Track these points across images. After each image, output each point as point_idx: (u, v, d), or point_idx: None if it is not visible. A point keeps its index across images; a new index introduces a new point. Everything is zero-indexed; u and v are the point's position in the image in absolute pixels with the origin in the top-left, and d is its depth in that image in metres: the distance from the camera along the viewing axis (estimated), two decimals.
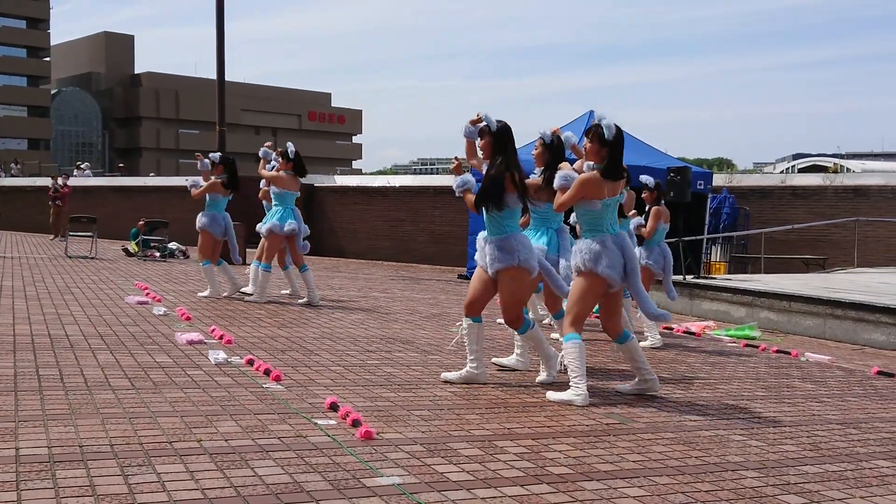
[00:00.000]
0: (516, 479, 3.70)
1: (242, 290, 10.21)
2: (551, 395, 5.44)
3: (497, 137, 5.59)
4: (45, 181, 25.19)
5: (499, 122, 5.63)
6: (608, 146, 5.33)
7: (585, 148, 5.52)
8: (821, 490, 3.83)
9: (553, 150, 6.39)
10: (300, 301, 10.04)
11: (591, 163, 5.42)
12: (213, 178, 10.19)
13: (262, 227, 9.93)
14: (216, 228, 10.10)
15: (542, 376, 5.92)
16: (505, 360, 6.42)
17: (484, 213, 5.61)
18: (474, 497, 3.43)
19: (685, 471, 3.99)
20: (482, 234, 5.72)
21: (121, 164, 41.93)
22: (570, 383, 5.35)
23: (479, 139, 5.73)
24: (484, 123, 5.67)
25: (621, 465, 4.02)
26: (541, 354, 5.91)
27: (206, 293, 10.06)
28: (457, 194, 5.76)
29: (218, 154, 10.60)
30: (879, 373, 7.29)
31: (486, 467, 3.83)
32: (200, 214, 10.18)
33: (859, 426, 5.23)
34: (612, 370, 6.67)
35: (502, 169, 5.48)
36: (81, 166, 30.99)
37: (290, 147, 9.92)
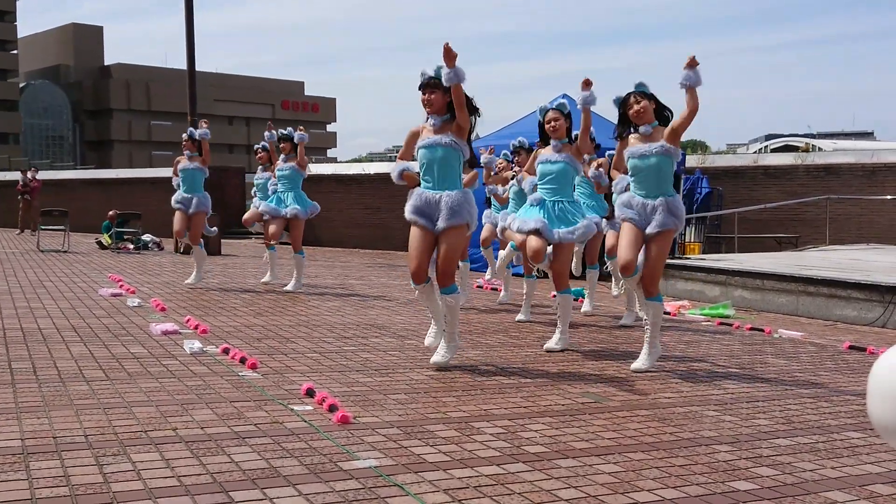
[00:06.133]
0: (492, 458, 3.72)
1: (264, 280, 10.71)
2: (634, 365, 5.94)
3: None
4: (15, 176, 24.86)
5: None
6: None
7: (642, 109, 5.82)
8: (793, 462, 3.88)
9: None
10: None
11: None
12: (188, 153, 10.08)
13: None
14: (209, 207, 10.24)
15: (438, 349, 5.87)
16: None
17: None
18: (451, 477, 3.45)
19: (659, 447, 4.03)
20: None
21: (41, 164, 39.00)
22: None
23: (425, 93, 5.62)
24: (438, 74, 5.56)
25: (596, 442, 4.06)
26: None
27: (193, 279, 10.13)
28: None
29: (193, 129, 10.38)
30: (851, 347, 7.39)
31: (463, 448, 3.86)
32: (195, 197, 10.03)
33: (831, 399, 5.30)
34: (587, 351, 6.72)
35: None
36: None
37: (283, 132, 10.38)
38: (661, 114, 5.90)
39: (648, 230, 5.83)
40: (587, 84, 6.28)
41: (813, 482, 3.61)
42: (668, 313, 9.40)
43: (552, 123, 6.65)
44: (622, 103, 5.93)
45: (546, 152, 6.71)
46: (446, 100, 5.59)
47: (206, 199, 10.14)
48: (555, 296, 6.94)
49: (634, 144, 5.89)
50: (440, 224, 5.57)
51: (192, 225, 10.11)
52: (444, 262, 5.64)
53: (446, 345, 5.75)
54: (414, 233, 5.70)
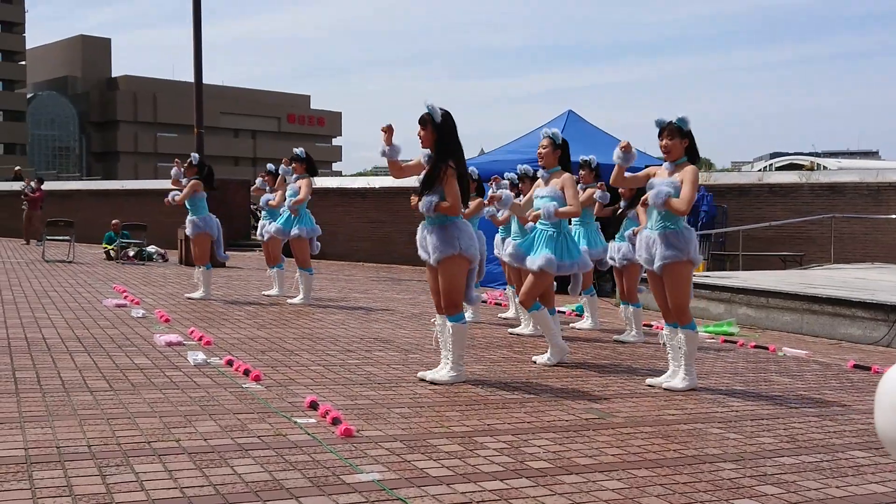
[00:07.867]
0: (496, 473, 3.71)
1: (266, 293, 10.91)
2: (668, 384, 5.86)
3: (441, 128, 5.55)
4: (20, 185, 24.88)
5: (442, 110, 5.59)
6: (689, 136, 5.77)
7: (669, 146, 5.71)
8: (797, 480, 3.87)
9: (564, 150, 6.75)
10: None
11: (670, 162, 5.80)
12: (185, 179, 10.27)
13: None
14: (213, 228, 10.24)
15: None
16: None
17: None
18: (454, 492, 3.44)
19: (663, 463, 4.02)
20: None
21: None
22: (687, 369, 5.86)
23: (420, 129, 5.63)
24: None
25: (600, 458, 4.05)
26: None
27: (199, 294, 10.09)
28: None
29: (197, 155, 10.72)
30: (856, 366, 7.36)
31: (466, 463, 3.85)
32: (190, 221, 10.16)
33: (835, 418, 5.28)
34: (591, 367, 6.70)
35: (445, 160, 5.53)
36: None
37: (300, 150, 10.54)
38: (693, 150, 5.79)
39: (655, 266, 5.77)
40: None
41: (817, 501, 3.59)
42: None
43: (539, 150, 6.65)
44: (659, 132, 5.81)
45: (539, 187, 6.79)
46: (435, 136, 5.57)
47: (202, 222, 10.19)
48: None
49: (659, 176, 5.86)
50: (431, 260, 5.66)
51: (194, 245, 10.31)
52: (444, 295, 5.66)
53: (448, 371, 5.70)
54: (427, 269, 5.84)
